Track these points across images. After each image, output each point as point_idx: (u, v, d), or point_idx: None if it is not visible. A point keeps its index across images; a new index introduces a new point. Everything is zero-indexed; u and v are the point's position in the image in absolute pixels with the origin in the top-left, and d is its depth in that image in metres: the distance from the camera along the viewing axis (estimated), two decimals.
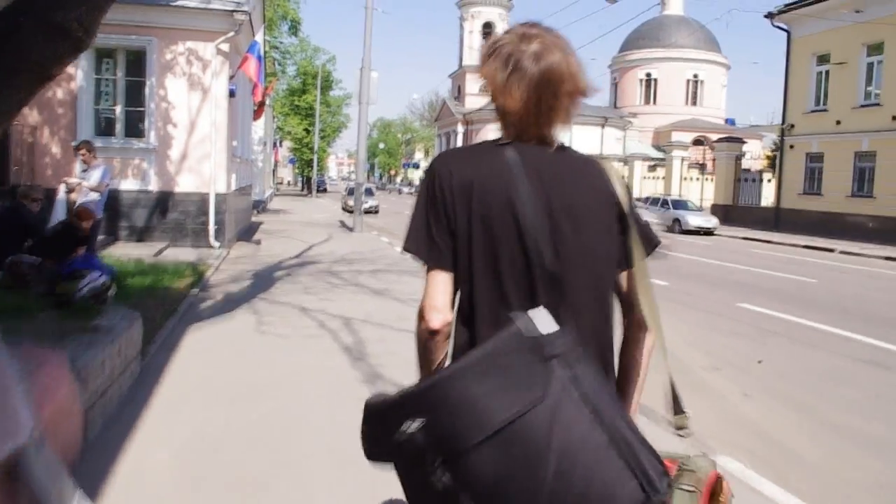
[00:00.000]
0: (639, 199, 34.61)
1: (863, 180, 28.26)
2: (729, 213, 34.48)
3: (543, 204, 1.60)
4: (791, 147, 31.42)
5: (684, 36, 72.56)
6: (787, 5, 30.65)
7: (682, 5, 73.20)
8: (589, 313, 1.63)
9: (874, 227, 26.17)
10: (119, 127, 14.68)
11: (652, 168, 49.19)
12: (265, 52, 24.12)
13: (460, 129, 72.74)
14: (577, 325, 1.54)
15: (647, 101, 75.39)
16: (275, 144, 54.71)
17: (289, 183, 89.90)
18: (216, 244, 14.86)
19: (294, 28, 43.77)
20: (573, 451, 1.27)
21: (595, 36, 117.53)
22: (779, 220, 31.26)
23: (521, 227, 1.58)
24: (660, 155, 59.53)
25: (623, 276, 1.73)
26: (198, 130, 14.69)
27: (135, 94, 14.63)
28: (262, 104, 22.36)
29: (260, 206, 30.83)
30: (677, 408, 1.74)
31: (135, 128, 14.73)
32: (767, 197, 35.08)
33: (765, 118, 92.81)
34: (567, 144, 1.77)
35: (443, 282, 1.62)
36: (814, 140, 30.22)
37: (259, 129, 32.74)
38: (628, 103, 75.74)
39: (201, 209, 14.88)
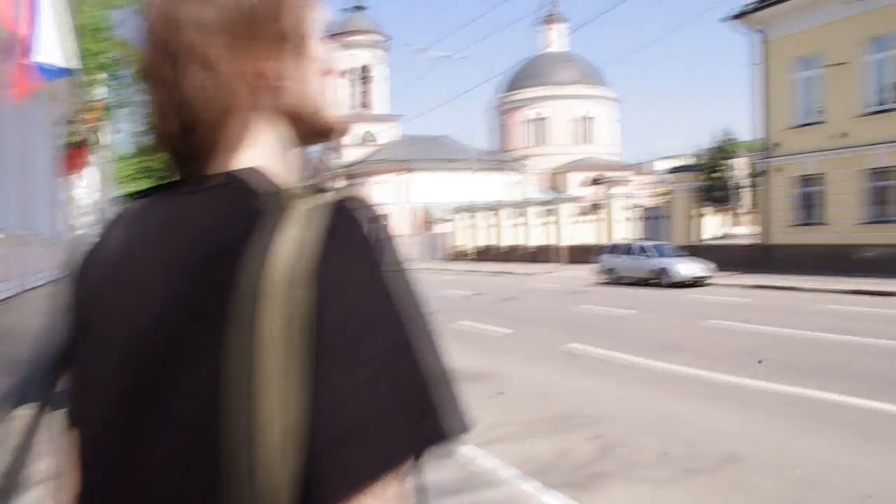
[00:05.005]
0: (600, 247, 28.16)
1: (880, 202, 22.83)
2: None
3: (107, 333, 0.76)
4: (778, 170, 25.77)
5: (571, 73, 68.78)
6: (760, 2, 25.33)
7: (566, 42, 69.39)
8: None
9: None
10: None
11: (585, 211, 43.47)
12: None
13: (342, 183, 64.92)
14: None
15: (537, 143, 70.76)
16: None
17: None
18: None
19: None
20: None
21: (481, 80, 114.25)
22: (770, 258, 25.42)
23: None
24: (555, 197, 55.45)
25: None
26: None
27: None
28: (82, 147, 13.82)
29: None
30: None
31: None
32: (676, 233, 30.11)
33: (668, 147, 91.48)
34: (247, 173, 0.73)
35: None
36: (809, 159, 24.67)
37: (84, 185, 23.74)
38: (517, 146, 70.87)
39: None
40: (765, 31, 26.11)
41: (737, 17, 26.39)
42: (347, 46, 66.98)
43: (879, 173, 22.87)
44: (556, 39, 68.58)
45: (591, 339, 11.53)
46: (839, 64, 23.48)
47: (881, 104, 22.89)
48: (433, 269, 41.18)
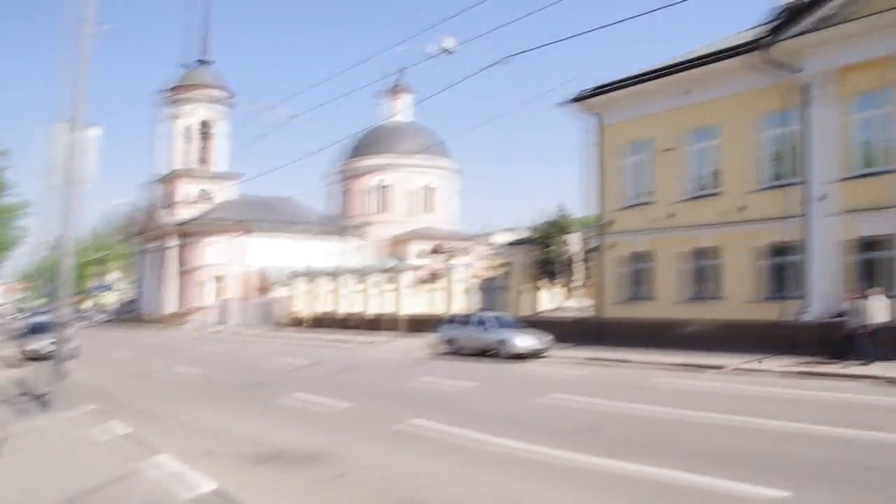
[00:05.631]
0: (439, 318, 27.97)
1: (704, 280, 24.21)
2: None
3: None
4: (611, 247, 26.85)
5: (414, 143, 69.91)
6: (596, 88, 26.69)
7: (412, 112, 70.64)
8: None
9: (718, 333, 21.84)
10: None
11: (425, 281, 43.35)
12: None
13: (174, 242, 61.60)
14: None
15: (379, 210, 70.88)
16: None
17: None
18: None
19: None
20: None
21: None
22: (603, 331, 26.19)
23: None
24: (395, 265, 55.53)
25: None
26: None
27: None
28: None
29: None
30: None
31: None
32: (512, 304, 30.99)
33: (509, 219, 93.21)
34: None
35: None
36: (639, 237, 25.89)
37: None
38: (359, 212, 70.66)
39: None
40: (601, 116, 27.49)
41: (575, 100, 27.61)
42: (188, 101, 64.67)
43: (701, 253, 24.27)
44: (402, 109, 69.69)
45: (435, 414, 10.97)
46: (667, 150, 25.01)
47: (703, 189, 24.50)
48: (267, 335, 39.45)
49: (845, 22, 20.16)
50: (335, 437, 9.35)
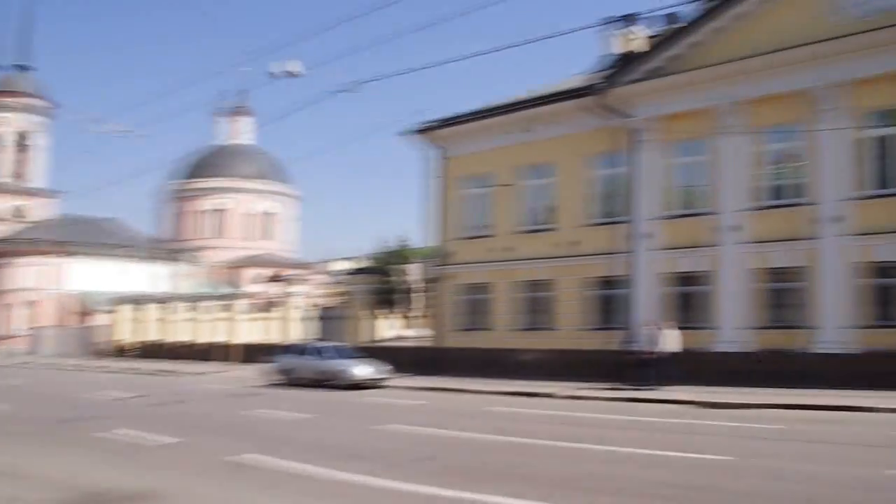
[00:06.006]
0: (276, 346, 27.16)
1: (538, 311, 25.11)
2: None
3: None
4: (451, 277, 27.30)
5: (254, 167, 68.27)
6: (440, 121, 27.18)
7: (252, 135, 69.00)
8: None
9: (551, 361, 22.79)
10: None
11: (261, 308, 42.07)
12: None
13: None
14: None
15: (213, 235, 68.36)
16: None
17: None
18: None
19: None
20: None
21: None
22: (442, 360, 26.44)
23: None
24: (231, 292, 53.79)
25: None
26: None
27: None
28: None
29: None
30: None
31: None
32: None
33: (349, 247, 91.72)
34: None
35: None
36: (478, 269, 26.50)
37: None
38: (193, 236, 67.81)
39: None
40: (444, 148, 28.06)
41: (419, 132, 28.02)
42: (1, 108, 59.61)
43: (536, 285, 25.19)
44: (242, 131, 67.95)
45: (269, 447, 10.50)
46: (505, 185, 25.87)
47: (539, 223, 25.52)
48: (87, 366, 36.62)
49: (671, 74, 21.86)
50: (161, 475, 8.70)
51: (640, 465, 9.16)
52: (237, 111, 68.26)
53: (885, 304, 19.02)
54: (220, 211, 68.77)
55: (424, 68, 24.32)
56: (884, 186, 19.24)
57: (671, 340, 19.65)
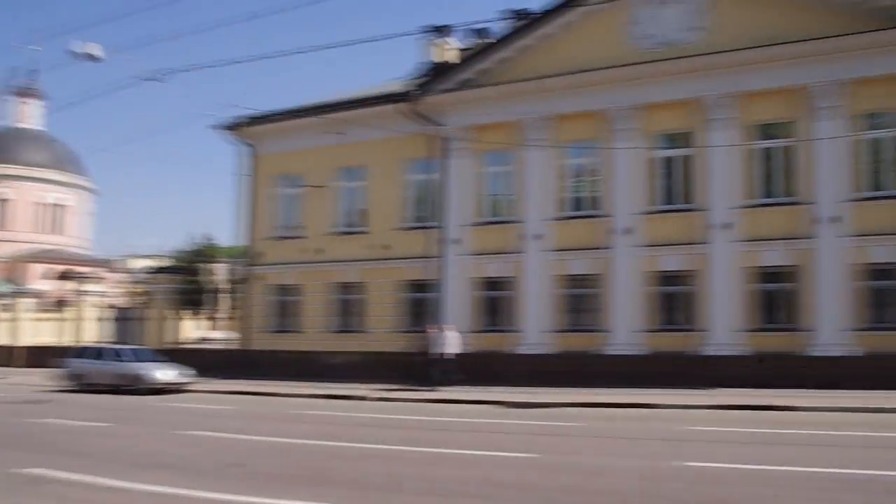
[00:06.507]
0: (67, 349, 25.19)
1: (349, 314, 25.17)
2: None
3: None
4: (259, 278, 26.66)
5: (44, 155, 62.78)
6: (251, 118, 26.48)
7: (42, 120, 63.32)
8: None
9: (362, 363, 23.11)
10: None
11: (49, 308, 38.72)
12: None
13: None
14: None
15: None
16: None
17: None
18: None
19: None
20: None
21: None
22: (249, 363, 25.81)
23: None
24: (14, 290, 49.24)
25: None
26: None
27: None
28: None
29: None
30: None
31: None
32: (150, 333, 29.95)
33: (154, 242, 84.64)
34: None
35: None
36: (288, 270, 26.11)
37: None
38: None
39: None
40: (254, 146, 27.35)
41: (229, 128, 27.12)
42: None
43: (348, 287, 25.22)
44: (31, 115, 62.20)
45: (62, 459, 9.74)
46: (317, 186, 25.67)
47: (351, 226, 25.59)
48: None
49: (481, 87, 22.76)
50: None
51: (451, 465, 9.46)
52: (26, 92, 62.35)
53: (669, 310, 20.93)
54: (2, 200, 62.50)
55: (237, 62, 23.43)
56: (671, 202, 21.16)
57: (452, 342, 20.61)
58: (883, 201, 18.94)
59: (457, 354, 20.48)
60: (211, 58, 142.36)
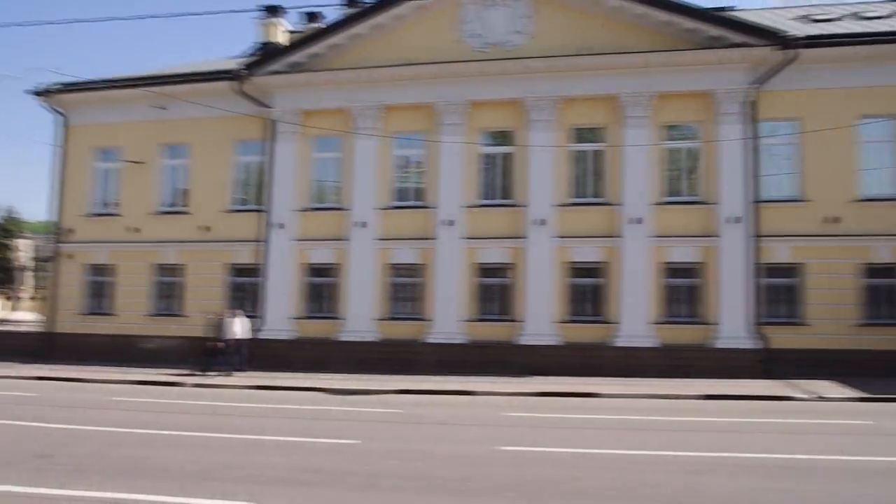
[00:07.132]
0: None
1: (168, 297, 24.34)
2: None
3: None
4: (70, 257, 25.13)
5: None
6: (66, 85, 24.75)
7: None
8: None
9: (181, 348, 22.68)
10: None
11: None
12: None
13: None
14: None
15: None
16: None
17: None
18: None
19: None
20: None
21: None
22: (56, 347, 24.39)
23: None
24: None
25: None
26: None
27: None
28: None
29: None
30: None
31: None
32: None
33: None
34: None
35: None
36: (102, 249, 24.80)
37: None
38: None
39: None
40: (67, 115, 25.60)
41: (40, 94, 25.24)
42: None
43: (166, 269, 24.34)
44: None
45: None
46: (136, 162, 24.51)
47: (172, 205, 24.68)
48: None
49: (310, 71, 22.62)
50: None
51: (268, 452, 9.56)
52: None
53: (490, 300, 21.88)
54: None
55: (52, 23, 21.61)
56: (493, 197, 22.03)
57: (241, 328, 20.86)
58: (679, 206, 20.83)
59: (246, 340, 20.86)
60: (30, 17, 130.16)
